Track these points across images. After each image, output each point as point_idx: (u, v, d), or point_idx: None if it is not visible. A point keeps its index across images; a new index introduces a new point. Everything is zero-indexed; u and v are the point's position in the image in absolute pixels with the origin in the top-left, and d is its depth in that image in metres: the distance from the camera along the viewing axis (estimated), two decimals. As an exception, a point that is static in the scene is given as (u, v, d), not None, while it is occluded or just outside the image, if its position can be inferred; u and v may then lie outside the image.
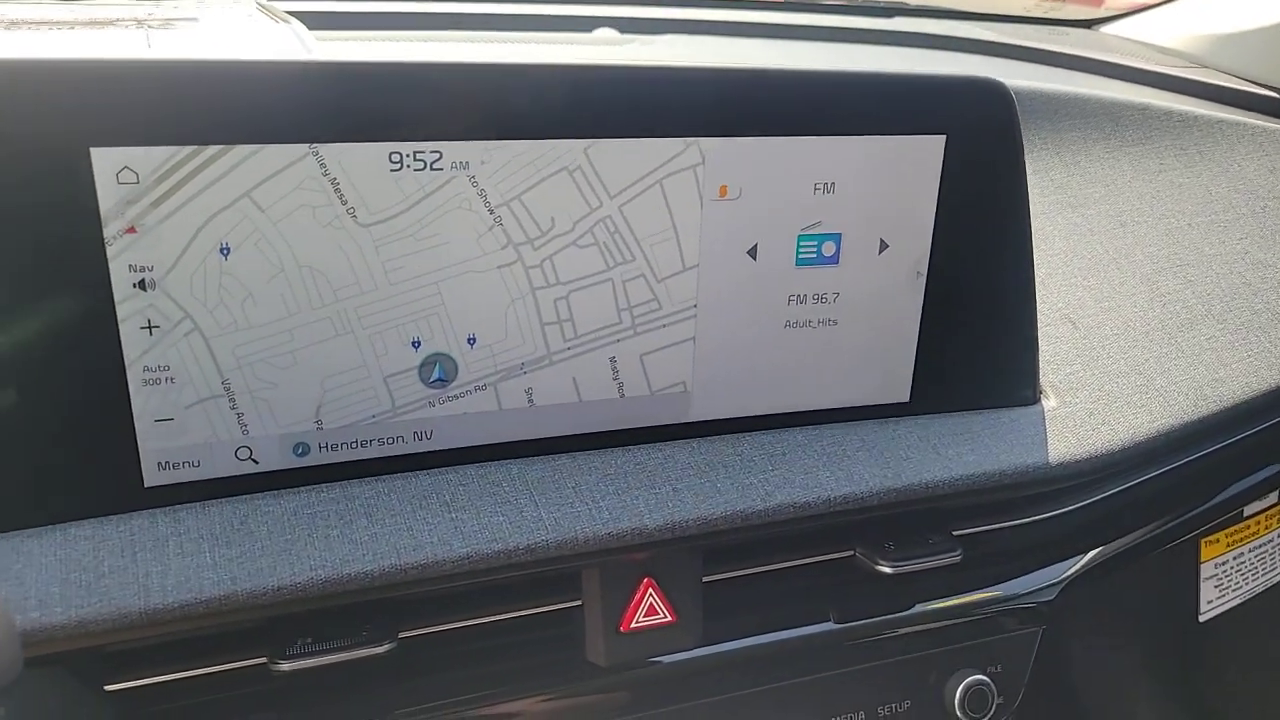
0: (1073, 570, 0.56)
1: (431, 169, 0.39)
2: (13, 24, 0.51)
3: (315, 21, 0.67)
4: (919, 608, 0.51)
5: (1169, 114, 0.72)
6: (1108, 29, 1.06)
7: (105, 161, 0.35)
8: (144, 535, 0.38)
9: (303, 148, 0.38)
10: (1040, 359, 0.52)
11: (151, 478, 0.39)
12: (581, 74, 0.41)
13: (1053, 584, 0.55)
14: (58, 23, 0.52)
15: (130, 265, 0.37)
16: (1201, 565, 0.67)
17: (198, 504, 0.39)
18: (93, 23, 0.53)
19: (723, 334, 0.46)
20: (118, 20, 0.54)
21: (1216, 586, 0.69)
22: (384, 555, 0.39)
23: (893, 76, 0.46)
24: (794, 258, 0.46)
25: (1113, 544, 0.57)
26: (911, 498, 0.47)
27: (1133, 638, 0.65)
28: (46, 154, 0.35)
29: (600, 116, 0.41)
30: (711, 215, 0.44)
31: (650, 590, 0.45)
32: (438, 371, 0.42)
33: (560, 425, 0.44)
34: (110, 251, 0.36)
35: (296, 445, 0.41)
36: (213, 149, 0.37)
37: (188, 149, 0.36)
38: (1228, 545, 0.69)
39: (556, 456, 0.44)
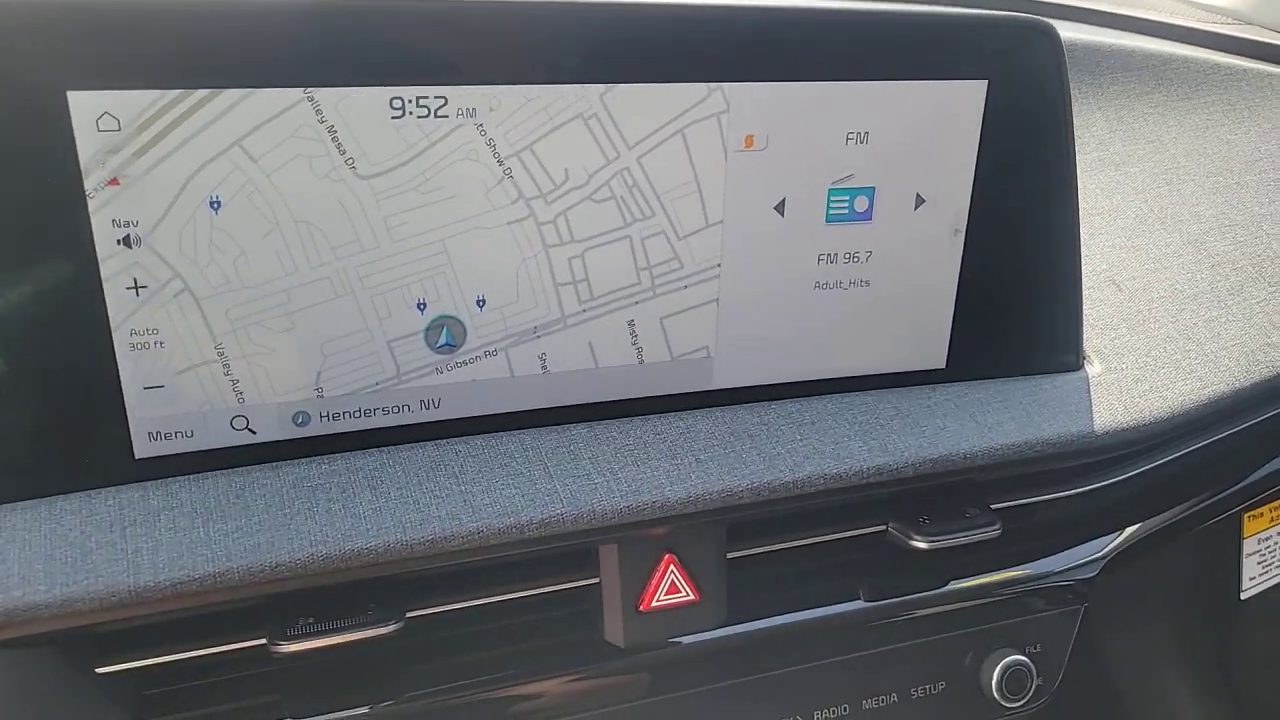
0: (1114, 545, 0.53)
1: (436, 116, 0.36)
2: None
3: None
4: (954, 585, 0.49)
5: (1216, 67, 0.68)
6: (1147, -16, 1.01)
7: (84, 107, 0.33)
8: (134, 509, 0.35)
9: (297, 92, 0.35)
10: (1084, 323, 0.49)
11: (142, 449, 0.36)
12: (598, 12, 0.38)
13: (1094, 560, 0.52)
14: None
15: (114, 220, 0.34)
16: (1244, 540, 0.64)
17: (191, 476, 0.37)
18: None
19: (748, 295, 0.43)
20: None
21: (1259, 563, 0.66)
22: (389, 530, 0.37)
23: (933, 15, 0.43)
24: (824, 213, 0.43)
25: (1155, 518, 0.55)
26: (948, 469, 0.44)
27: (1173, 616, 0.62)
28: (19, 99, 0.32)
29: (618, 59, 0.38)
30: (736, 167, 0.41)
31: (671, 567, 0.43)
32: (445, 335, 0.39)
33: (576, 393, 0.42)
34: (91, 205, 0.34)
35: (296, 414, 0.38)
36: (200, 93, 0.34)
37: (173, 93, 0.34)
38: (1271, 520, 0.66)
39: (572, 426, 0.42)
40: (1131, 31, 0.82)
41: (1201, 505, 0.56)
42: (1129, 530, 0.54)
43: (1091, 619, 0.52)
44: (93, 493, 0.36)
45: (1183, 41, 0.79)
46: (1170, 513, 0.55)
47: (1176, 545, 0.56)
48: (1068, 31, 0.66)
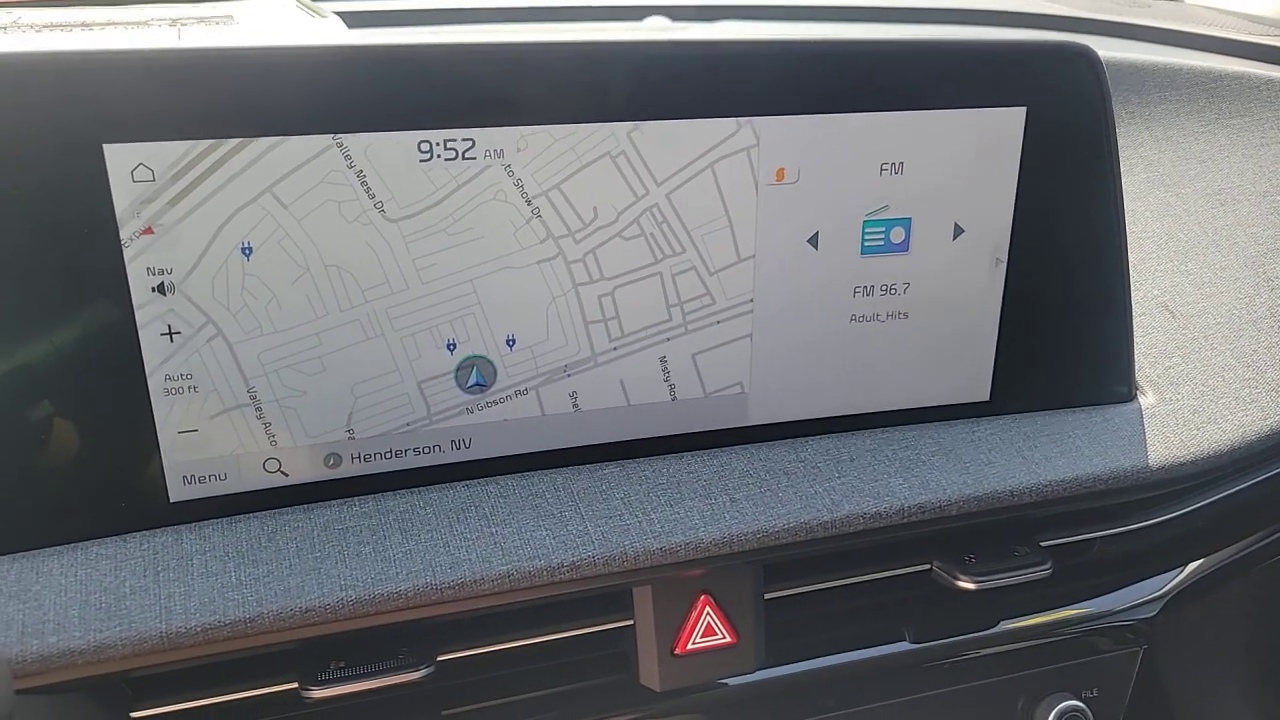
0: (1176, 583, 0.51)
1: (464, 158, 0.37)
2: (46, 26, 0.50)
3: (358, 20, 0.65)
4: (1004, 626, 0.47)
5: (1270, 83, 0.66)
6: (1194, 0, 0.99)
7: (119, 158, 0.33)
8: (168, 553, 0.35)
9: (326, 139, 0.35)
10: (1136, 351, 0.48)
11: (176, 492, 0.37)
12: (624, 51, 0.38)
13: (1153, 599, 0.50)
14: (90, 24, 0.50)
15: (149, 268, 0.35)
16: (1316, 576, 0.61)
17: (225, 519, 0.37)
18: (126, 24, 0.52)
19: (782, 330, 0.42)
20: (152, 21, 0.52)
21: (1333, 599, 0.62)
22: (419, 573, 0.36)
23: (967, 44, 0.42)
24: (859, 246, 0.42)
25: (1219, 554, 0.52)
26: (994, 506, 0.43)
27: (1239, 657, 0.59)
28: (57, 152, 0.33)
29: (645, 96, 0.38)
30: (768, 201, 0.40)
31: (707, 609, 0.42)
32: (475, 375, 0.39)
33: (607, 431, 0.41)
34: (127, 254, 0.34)
35: (328, 456, 0.38)
36: (231, 143, 0.34)
37: (205, 143, 0.34)
38: (1344, 554, 0.62)
39: (604, 465, 0.41)
40: (1179, 46, 0.80)
41: (1269, 539, 0.54)
42: (1191, 567, 0.51)
43: (1152, 661, 0.50)
44: (127, 536, 0.36)
45: (1232, 55, 0.77)
46: (1234, 547, 0.53)
47: (1242, 582, 0.53)
48: (1113, 51, 0.64)
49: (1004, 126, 0.42)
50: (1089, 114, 0.44)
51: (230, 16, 0.55)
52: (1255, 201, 0.59)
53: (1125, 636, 0.49)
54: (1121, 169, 0.46)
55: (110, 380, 0.35)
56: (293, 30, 0.51)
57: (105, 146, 0.33)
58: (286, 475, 0.38)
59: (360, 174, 0.36)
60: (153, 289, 0.35)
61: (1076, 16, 0.86)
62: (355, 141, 0.35)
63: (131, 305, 0.35)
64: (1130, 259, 0.47)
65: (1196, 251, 0.55)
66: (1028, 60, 0.42)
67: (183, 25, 0.51)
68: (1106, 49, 0.72)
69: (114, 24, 0.51)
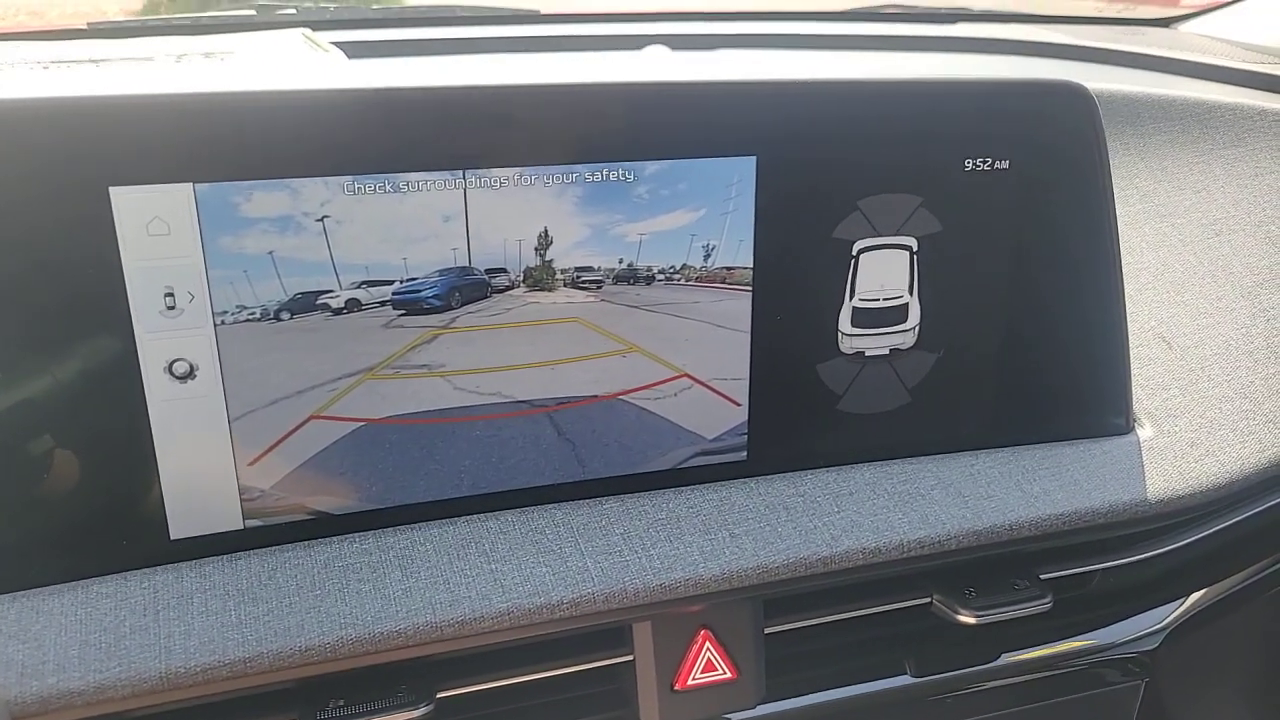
0: (1177, 615, 0.50)
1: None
2: (53, 63, 0.50)
3: (360, 51, 0.66)
4: (1005, 659, 0.47)
5: (1263, 113, 0.66)
6: (1187, 27, 1.00)
7: (125, 200, 0.34)
8: (168, 592, 0.35)
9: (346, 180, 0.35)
10: (1133, 384, 0.48)
11: (178, 530, 0.37)
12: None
13: (1154, 631, 0.50)
14: (97, 60, 0.51)
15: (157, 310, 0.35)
16: (1317, 606, 0.61)
17: (224, 557, 0.37)
18: (132, 59, 0.52)
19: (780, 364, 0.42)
20: (157, 56, 0.53)
21: (1335, 629, 0.62)
22: (418, 611, 0.36)
23: (948, 84, 0.42)
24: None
25: (1219, 585, 0.52)
26: (994, 540, 0.43)
27: (1242, 690, 0.59)
28: (65, 193, 0.33)
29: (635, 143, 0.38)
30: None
31: (707, 644, 0.41)
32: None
33: (607, 466, 0.41)
34: (131, 295, 0.34)
35: (328, 492, 0.38)
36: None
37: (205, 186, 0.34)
38: (1346, 583, 0.62)
39: (604, 500, 0.41)
40: (1173, 74, 0.81)
41: (1269, 570, 0.54)
42: (1192, 598, 0.51)
43: (1154, 694, 0.49)
44: (128, 574, 0.36)
45: (1226, 82, 0.77)
46: (1235, 578, 0.53)
47: (1243, 613, 0.53)
48: (1106, 82, 0.65)
49: (996, 169, 0.42)
50: (1084, 151, 0.44)
51: (233, 51, 0.56)
52: (1250, 232, 0.59)
53: (1127, 669, 0.49)
54: (1117, 200, 0.46)
55: (113, 418, 0.35)
56: (298, 66, 0.51)
57: (111, 189, 0.33)
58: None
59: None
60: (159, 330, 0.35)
61: (1071, 44, 0.87)
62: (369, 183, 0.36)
63: (135, 345, 0.35)
64: (1127, 290, 0.47)
65: (1193, 282, 0.56)
66: (1020, 100, 0.43)
67: (187, 60, 0.52)
68: (1100, 77, 0.73)
69: (120, 59, 0.51)
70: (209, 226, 0.35)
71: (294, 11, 0.80)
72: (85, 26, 0.73)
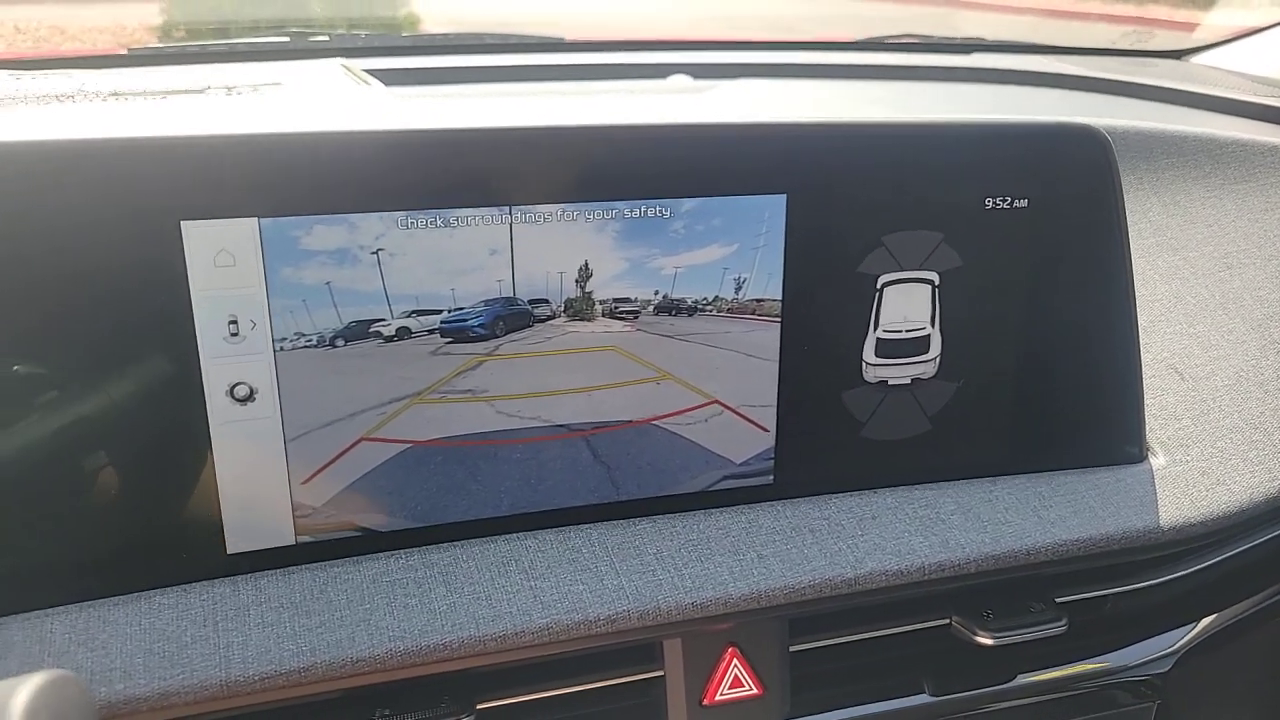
0: (1188, 639, 0.52)
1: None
2: (111, 95, 0.52)
3: (392, 79, 0.68)
4: (1021, 680, 0.48)
5: (1273, 149, 0.68)
6: (1199, 59, 1.01)
7: (195, 233, 0.36)
8: (226, 604, 0.37)
9: (400, 215, 0.37)
10: (1146, 414, 0.49)
11: (234, 545, 0.39)
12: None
13: (1167, 654, 0.51)
14: (151, 93, 0.53)
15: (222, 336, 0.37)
16: (1328, 631, 0.62)
17: (279, 571, 0.39)
18: (186, 91, 0.55)
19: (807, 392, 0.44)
20: (209, 88, 0.55)
21: (1345, 655, 0.63)
22: (463, 625, 0.38)
23: (969, 126, 0.44)
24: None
25: (1229, 610, 0.53)
26: (1012, 564, 0.44)
27: (1251, 712, 0.60)
28: (136, 224, 0.35)
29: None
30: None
31: (735, 661, 0.43)
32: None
33: (641, 488, 0.43)
34: (198, 316, 0.37)
35: (375, 511, 0.40)
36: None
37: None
38: (1355, 609, 0.63)
39: (637, 521, 0.43)
40: (1185, 106, 0.82)
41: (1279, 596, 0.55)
42: (1204, 622, 0.53)
43: (1166, 716, 0.51)
44: (187, 587, 0.38)
45: (1237, 115, 0.79)
46: (1247, 603, 0.54)
47: (1254, 637, 0.54)
48: (1118, 117, 0.67)
49: (1014, 209, 0.44)
50: (1099, 191, 0.46)
51: (279, 83, 0.58)
52: (1261, 265, 0.61)
53: (1140, 691, 0.50)
54: (1130, 233, 0.48)
55: (177, 438, 0.37)
56: (345, 99, 0.54)
57: (183, 223, 0.35)
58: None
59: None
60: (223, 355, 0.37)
61: (1084, 76, 0.88)
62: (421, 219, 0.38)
63: (200, 366, 0.37)
64: (1140, 321, 0.48)
65: (1204, 314, 0.57)
66: (1036, 143, 0.44)
67: (237, 93, 0.54)
68: (1113, 110, 0.74)
69: (176, 92, 0.53)
70: (271, 258, 0.37)
71: (327, 39, 0.82)
72: (126, 53, 0.75)
